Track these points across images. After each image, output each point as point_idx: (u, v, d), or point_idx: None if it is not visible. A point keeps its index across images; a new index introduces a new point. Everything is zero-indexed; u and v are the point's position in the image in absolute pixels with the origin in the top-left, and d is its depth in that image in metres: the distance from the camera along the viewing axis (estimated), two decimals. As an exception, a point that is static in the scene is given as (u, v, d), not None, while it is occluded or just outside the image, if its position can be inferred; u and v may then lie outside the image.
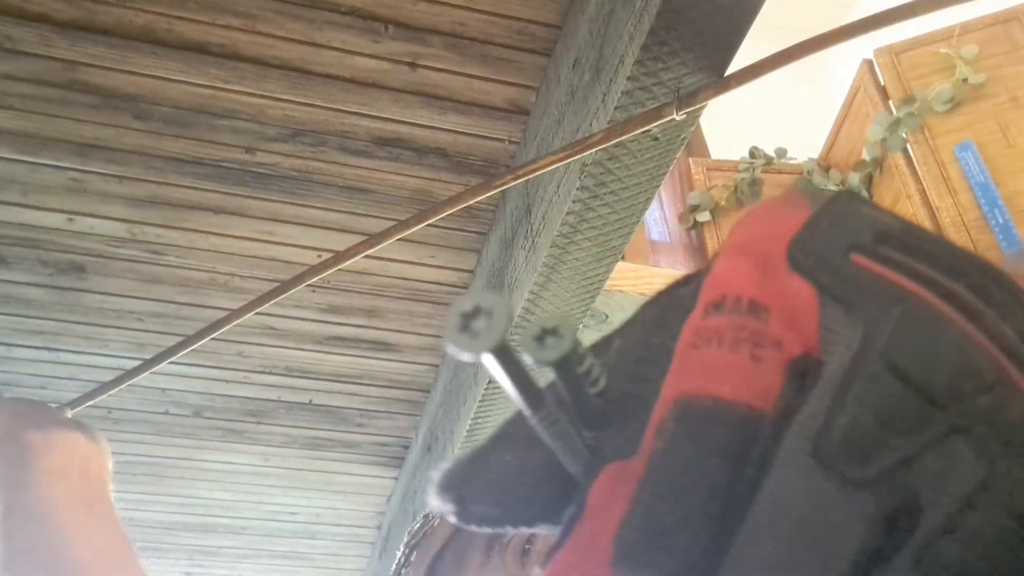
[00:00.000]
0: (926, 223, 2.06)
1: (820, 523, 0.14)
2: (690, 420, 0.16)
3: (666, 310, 0.20)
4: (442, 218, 1.28)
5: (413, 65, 1.52)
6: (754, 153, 2.58)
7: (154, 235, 1.77)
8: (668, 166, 1.21)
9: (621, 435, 0.18)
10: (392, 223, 1.33)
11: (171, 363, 1.18)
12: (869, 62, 2.39)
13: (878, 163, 2.31)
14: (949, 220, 2.06)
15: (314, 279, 1.22)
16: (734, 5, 1.03)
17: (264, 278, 1.84)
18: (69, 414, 0.90)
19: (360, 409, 2.21)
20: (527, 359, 0.17)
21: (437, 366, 2.09)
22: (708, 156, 2.83)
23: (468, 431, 1.74)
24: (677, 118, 1.07)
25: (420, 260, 1.85)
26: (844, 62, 2.57)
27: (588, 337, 0.22)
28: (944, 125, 2.19)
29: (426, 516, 0.63)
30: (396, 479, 2.41)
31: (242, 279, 1.86)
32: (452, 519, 0.20)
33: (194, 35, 1.47)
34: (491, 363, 0.17)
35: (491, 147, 1.65)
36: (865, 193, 2.25)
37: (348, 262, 1.22)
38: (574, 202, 1.26)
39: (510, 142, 1.63)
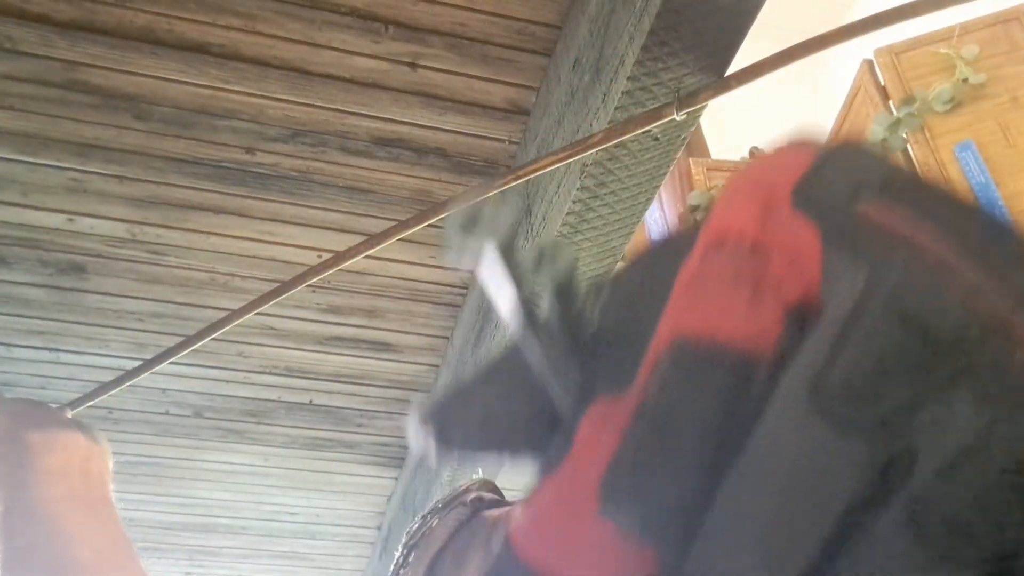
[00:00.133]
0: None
1: (813, 468, 0.14)
2: (686, 361, 0.15)
3: (665, 252, 0.19)
4: (442, 218, 1.28)
5: (413, 65, 1.52)
6: (754, 153, 2.58)
7: (154, 235, 1.77)
8: (668, 166, 1.21)
9: (613, 370, 0.17)
10: (392, 223, 1.33)
11: (171, 363, 1.18)
12: (869, 62, 2.38)
13: (878, 163, 2.31)
14: (949, 220, 2.05)
15: (314, 279, 1.22)
16: (734, 5, 1.03)
17: (264, 278, 1.84)
18: (69, 414, 0.89)
19: (360, 409, 2.21)
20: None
21: (437, 366, 2.09)
22: (708, 156, 2.83)
23: (468, 431, 1.74)
24: (677, 118, 1.07)
25: (420, 260, 1.85)
26: (844, 62, 2.57)
27: None
28: (944, 125, 2.19)
29: (424, 516, 0.63)
30: (396, 479, 2.40)
31: (242, 279, 1.86)
32: (432, 445, 0.19)
33: (194, 35, 1.47)
34: (493, 261, 0.16)
35: (491, 147, 1.65)
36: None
37: (348, 262, 1.22)
38: (574, 202, 1.27)
39: (510, 142, 1.63)
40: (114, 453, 0.88)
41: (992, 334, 0.15)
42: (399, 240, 1.27)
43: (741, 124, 3.20)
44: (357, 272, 1.85)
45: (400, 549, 0.62)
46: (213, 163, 1.65)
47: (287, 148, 1.64)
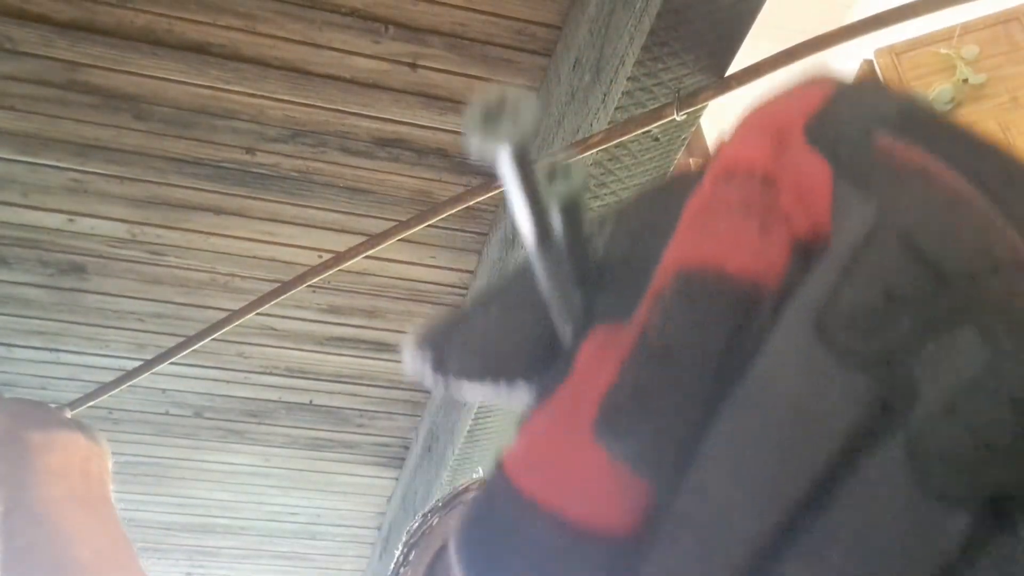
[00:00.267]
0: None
1: (813, 399, 0.14)
2: (690, 290, 0.15)
3: (673, 184, 0.19)
4: (442, 219, 1.28)
5: (413, 66, 1.52)
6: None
7: (154, 235, 1.77)
8: (668, 166, 1.21)
9: (617, 298, 0.17)
10: (392, 223, 1.33)
11: (171, 364, 1.18)
12: (869, 62, 2.39)
13: (879, 163, 2.31)
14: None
15: (314, 280, 1.22)
16: (734, 5, 1.03)
17: (264, 278, 1.84)
18: (69, 414, 0.90)
19: (360, 410, 2.21)
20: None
21: (437, 366, 2.09)
22: (708, 156, 2.83)
23: (469, 432, 1.74)
24: (677, 118, 1.07)
25: (420, 261, 1.85)
26: (844, 62, 2.57)
27: None
28: (944, 126, 2.19)
29: (425, 515, 0.62)
30: (396, 480, 2.40)
31: (242, 279, 1.86)
32: (428, 371, 0.19)
33: (194, 36, 1.47)
34: (508, 165, 0.16)
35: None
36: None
37: (348, 263, 1.22)
38: (574, 202, 1.26)
39: (510, 142, 1.63)
40: (114, 453, 0.88)
41: (1002, 270, 0.15)
42: (399, 240, 1.27)
43: (741, 124, 3.19)
44: (357, 272, 1.85)
45: (400, 548, 0.62)
46: (213, 163, 1.65)
47: (287, 148, 1.64)
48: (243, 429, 2.23)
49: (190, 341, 1.15)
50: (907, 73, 2.30)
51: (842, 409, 0.14)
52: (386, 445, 2.30)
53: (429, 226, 1.29)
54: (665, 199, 0.18)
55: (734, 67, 1.07)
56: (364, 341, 2.02)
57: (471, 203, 1.26)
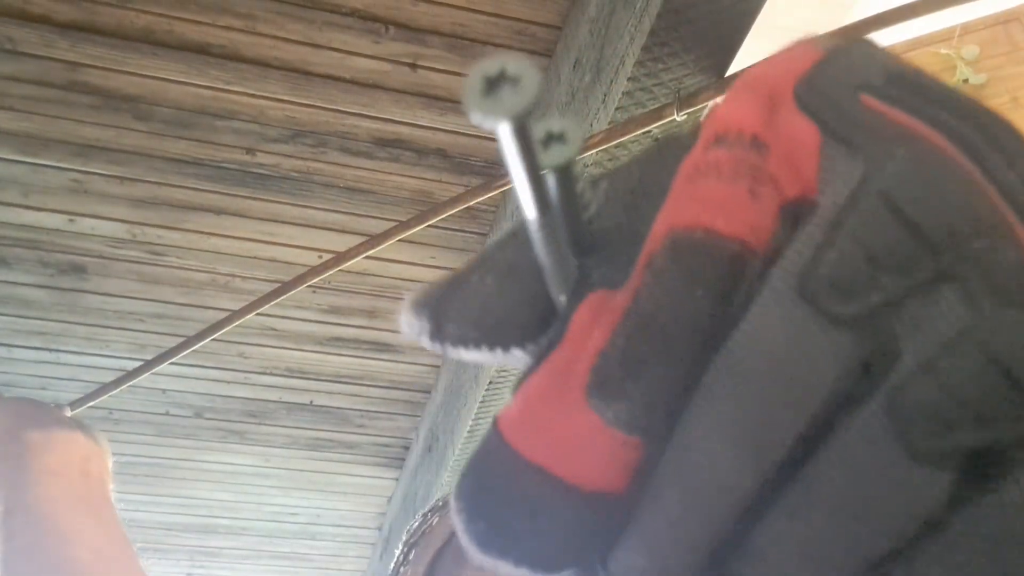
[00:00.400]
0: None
1: (794, 359, 0.14)
2: (681, 254, 0.15)
3: (664, 149, 0.19)
4: (443, 219, 1.28)
5: (414, 66, 1.52)
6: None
7: (155, 236, 1.77)
8: (668, 166, 1.21)
9: (610, 264, 0.17)
10: (393, 224, 1.33)
11: (172, 364, 1.18)
12: (870, 63, 2.38)
13: (879, 164, 2.31)
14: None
15: (315, 280, 1.22)
16: (734, 5, 1.03)
17: (265, 279, 1.84)
18: (69, 414, 0.90)
19: (361, 410, 2.21)
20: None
21: (438, 367, 2.09)
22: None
23: (469, 432, 1.74)
24: (678, 119, 1.07)
25: (421, 261, 1.85)
26: (845, 63, 2.57)
27: None
28: (945, 126, 2.19)
29: (425, 515, 0.62)
30: (397, 480, 2.40)
31: (243, 280, 1.86)
32: (425, 338, 0.19)
33: (195, 36, 1.47)
34: (508, 138, 0.16)
35: (492, 148, 1.65)
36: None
37: (349, 263, 1.22)
38: (574, 203, 1.26)
39: (511, 143, 1.63)
40: (114, 453, 0.88)
41: (985, 231, 0.15)
42: (399, 241, 1.27)
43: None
44: (358, 273, 1.85)
45: (401, 547, 0.62)
46: (214, 164, 1.66)
47: (288, 149, 1.64)
48: (243, 429, 2.24)
49: (190, 341, 1.15)
50: (907, 73, 2.30)
51: (824, 368, 0.14)
52: (386, 445, 2.31)
53: (429, 226, 1.29)
54: (658, 163, 0.18)
55: (734, 67, 1.08)
56: (364, 341, 2.03)
57: (471, 203, 1.26)
